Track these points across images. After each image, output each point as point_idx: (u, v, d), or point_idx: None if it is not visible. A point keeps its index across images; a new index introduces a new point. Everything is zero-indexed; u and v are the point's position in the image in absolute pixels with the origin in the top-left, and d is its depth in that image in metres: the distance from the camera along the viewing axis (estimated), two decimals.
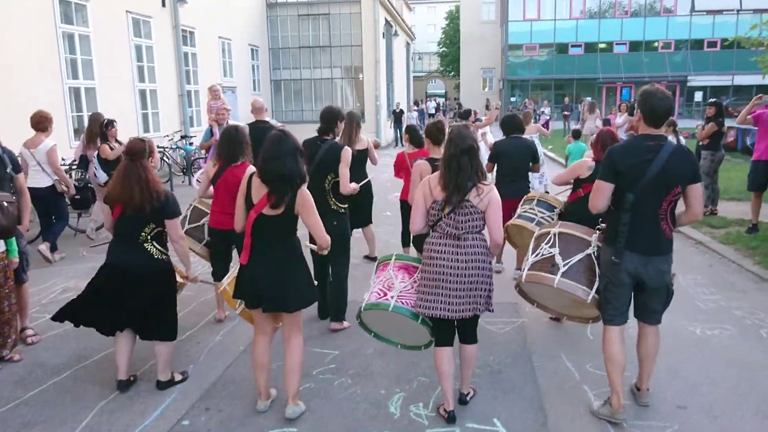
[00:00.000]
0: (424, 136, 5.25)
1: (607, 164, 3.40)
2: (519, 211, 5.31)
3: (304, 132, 18.70)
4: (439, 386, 3.64)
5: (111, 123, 7.61)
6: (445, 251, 3.38)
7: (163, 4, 14.75)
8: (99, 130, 7.72)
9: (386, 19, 24.45)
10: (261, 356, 3.61)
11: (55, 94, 10.78)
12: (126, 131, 12.36)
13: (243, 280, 3.51)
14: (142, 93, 14.09)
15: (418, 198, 3.52)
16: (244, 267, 3.47)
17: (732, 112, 28.33)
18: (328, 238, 3.59)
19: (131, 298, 3.77)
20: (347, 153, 4.84)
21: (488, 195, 3.37)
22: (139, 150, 3.78)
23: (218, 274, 4.94)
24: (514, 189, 5.82)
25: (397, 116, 23.85)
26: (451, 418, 3.53)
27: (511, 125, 6.38)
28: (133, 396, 3.89)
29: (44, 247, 7.00)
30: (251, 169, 4.50)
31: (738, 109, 33.24)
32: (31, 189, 5.53)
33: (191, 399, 3.86)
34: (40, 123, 6.63)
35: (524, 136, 6.63)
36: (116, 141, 7.69)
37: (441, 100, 54.59)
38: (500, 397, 3.82)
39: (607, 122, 15.49)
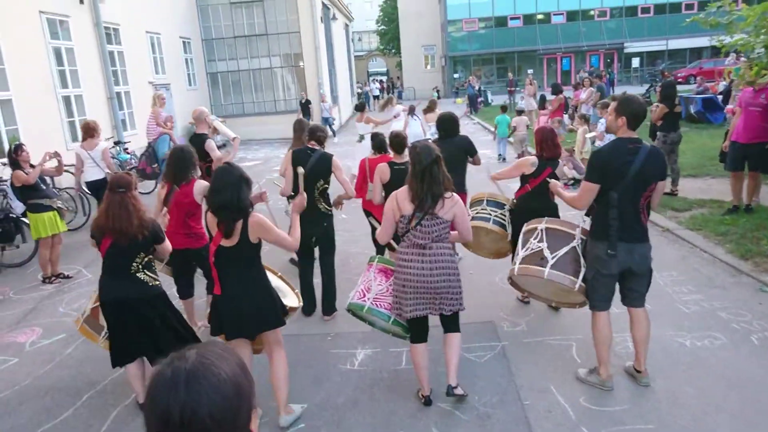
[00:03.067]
0: (388, 145, 5.71)
1: (595, 167, 3.76)
2: (471, 213, 5.15)
3: (246, 126, 18.00)
4: None
5: (19, 147, 6.79)
6: (411, 260, 3.67)
7: (81, 1, 13.57)
8: (83, 134, 8.28)
9: (323, 2, 23.61)
10: None
11: None
12: (52, 142, 11.38)
13: (212, 311, 3.68)
14: (66, 99, 12.98)
15: (387, 213, 3.78)
16: (215, 297, 3.62)
17: (668, 75, 28.74)
18: (296, 244, 3.77)
19: (150, 329, 3.87)
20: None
21: (453, 207, 3.66)
22: (127, 183, 3.85)
23: (182, 291, 5.27)
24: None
25: (303, 108, 20.59)
26: (427, 402, 3.91)
27: (450, 124, 6.09)
28: None
29: None
30: (201, 183, 4.85)
31: (674, 73, 34.06)
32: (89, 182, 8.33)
33: None
34: (93, 130, 8.17)
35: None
36: (30, 165, 6.87)
37: (383, 78, 53.96)
38: None
39: (543, 99, 15.42)
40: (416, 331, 3.87)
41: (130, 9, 15.89)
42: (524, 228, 4.44)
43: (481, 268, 6.35)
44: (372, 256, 4.28)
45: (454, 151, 5.84)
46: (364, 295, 3.97)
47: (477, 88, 30.16)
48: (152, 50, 17.63)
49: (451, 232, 3.82)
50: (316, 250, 5.52)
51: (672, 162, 9.00)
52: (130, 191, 3.85)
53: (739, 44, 6.19)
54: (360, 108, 11.76)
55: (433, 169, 3.58)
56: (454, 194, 3.71)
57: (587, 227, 4.02)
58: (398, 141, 5.42)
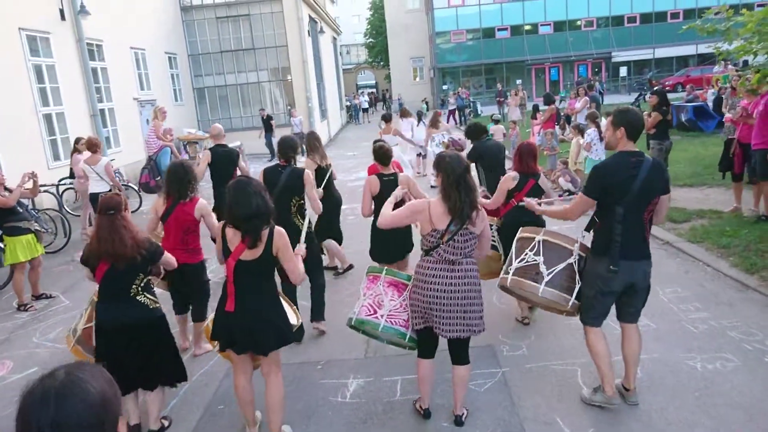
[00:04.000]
0: (374, 157, 5.48)
1: (594, 181, 3.64)
2: None
3: (233, 140, 17.64)
4: None
5: None
6: (439, 275, 3.48)
7: (63, 18, 13.31)
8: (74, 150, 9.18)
9: (310, 16, 23.47)
10: (244, 393, 3.66)
11: None
12: (32, 162, 11.06)
13: (220, 323, 3.55)
14: (48, 117, 12.67)
15: (413, 207, 3.62)
16: (225, 311, 3.48)
17: (655, 84, 28.77)
18: (302, 278, 3.64)
19: (144, 356, 3.73)
20: (309, 176, 5.25)
21: (483, 219, 3.56)
22: (117, 204, 3.72)
23: (178, 306, 5.18)
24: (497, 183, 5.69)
25: (266, 124, 19.58)
26: (427, 414, 3.80)
27: (478, 130, 6.69)
28: None
29: None
30: (202, 202, 4.87)
31: (661, 81, 34.10)
32: (93, 194, 8.76)
33: None
34: (95, 146, 8.81)
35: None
36: (5, 189, 6.57)
37: (372, 91, 53.93)
38: None
39: (536, 108, 15.40)
40: (426, 346, 3.73)
41: (113, 25, 15.63)
42: (519, 234, 4.26)
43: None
44: (373, 267, 4.01)
45: (495, 153, 6.29)
46: (375, 311, 3.72)
47: (465, 98, 30.12)
48: (137, 66, 17.36)
49: None
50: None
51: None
52: (120, 212, 3.70)
53: (740, 51, 5.99)
54: (387, 119, 11.61)
55: (466, 178, 3.47)
56: (482, 208, 3.66)
57: (587, 243, 3.86)
58: (383, 152, 5.32)
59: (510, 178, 5.05)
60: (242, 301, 3.44)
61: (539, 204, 4.28)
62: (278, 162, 5.31)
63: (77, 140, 9.78)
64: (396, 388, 4.35)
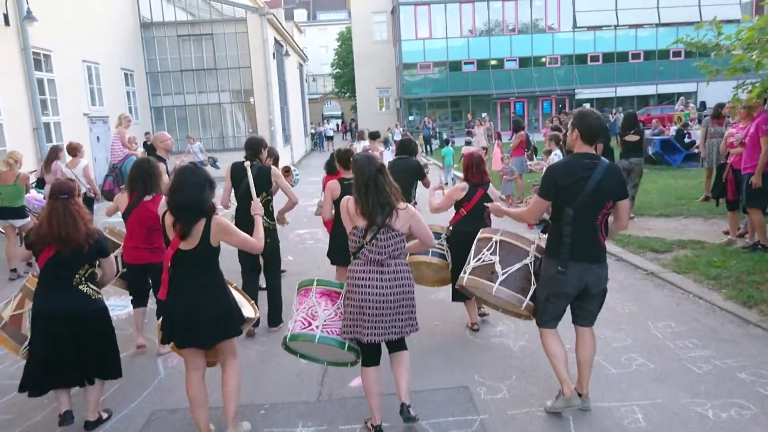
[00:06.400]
0: (335, 163, 5.77)
1: (547, 182, 3.57)
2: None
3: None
4: None
5: None
6: (369, 278, 3.38)
7: (7, 23, 12.43)
8: (52, 157, 9.02)
9: (276, 39, 22.95)
10: (196, 393, 3.45)
11: None
12: None
13: (163, 315, 3.45)
14: None
15: (340, 208, 3.56)
16: (162, 303, 3.43)
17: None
18: (261, 244, 3.62)
19: (83, 348, 3.63)
20: (276, 170, 5.34)
21: (407, 216, 3.46)
22: (70, 189, 3.67)
23: (138, 300, 5.03)
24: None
25: (149, 150, 13.98)
26: (378, 431, 3.53)
27: (404, 146, 6.79)
28: None
29: None
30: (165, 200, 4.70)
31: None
32: None
33: None
34: (75, 150, 9.11)
35: None
36: None
37: (338, 122, 53.73)
38: None
39: (498, 135, 15.36)
40: (369, 353, 3.54)
41: (64, 35, 14.78)
42: (479, 235, 4.17)
43: (448, 317, 5.44)
44: (303, 281, 3.73)
45: (404, 173, 6.05)
46: (310, 323, 3.49)
47: (432, 129, 30.02)
48: (89, 80, 16.44)
49: (410, 242, 3.67)
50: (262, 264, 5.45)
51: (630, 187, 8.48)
52: (73, 197, 3.66)
53: (736, 63, 5.57)
54: (376, 136, 11.77)
55: (378, 179, 3.40)
56: (409, 205, 3.54)
57: (543, 245, 3.80)
58: (345, 157, 5.39)
59: (459, 188, 5.12)
60: (180, 293, 3.34)
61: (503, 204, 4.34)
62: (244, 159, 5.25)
63: (58, 148, 9.39)
64: None
